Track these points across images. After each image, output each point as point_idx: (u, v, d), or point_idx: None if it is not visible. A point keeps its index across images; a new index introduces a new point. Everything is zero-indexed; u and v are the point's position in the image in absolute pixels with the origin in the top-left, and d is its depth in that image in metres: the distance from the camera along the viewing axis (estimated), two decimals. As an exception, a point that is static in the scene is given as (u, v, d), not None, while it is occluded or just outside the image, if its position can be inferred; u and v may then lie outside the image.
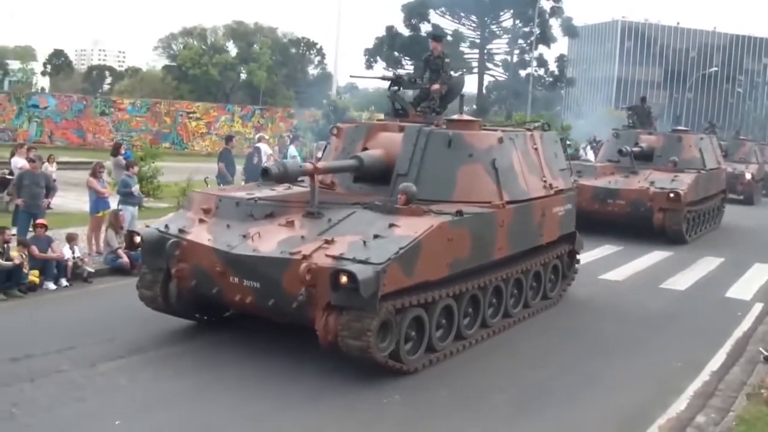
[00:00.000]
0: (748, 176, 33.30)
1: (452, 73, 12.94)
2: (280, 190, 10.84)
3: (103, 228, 15.31)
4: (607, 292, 14.72)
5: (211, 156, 34.11)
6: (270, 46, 78.99)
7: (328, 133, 12.44)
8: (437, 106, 12.46)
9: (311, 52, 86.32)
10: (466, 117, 11.76)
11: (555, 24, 70.86)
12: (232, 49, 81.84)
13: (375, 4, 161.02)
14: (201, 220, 10.10)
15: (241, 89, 79.74)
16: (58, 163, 22.85)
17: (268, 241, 9.32)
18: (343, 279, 8.30)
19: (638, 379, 9.85)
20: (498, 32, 74.31)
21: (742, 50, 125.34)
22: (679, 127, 25.61)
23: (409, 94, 13.39)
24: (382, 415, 8.31)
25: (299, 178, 10.34)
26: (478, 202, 10.62)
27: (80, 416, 7.87)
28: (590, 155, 33.17)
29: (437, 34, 12.97)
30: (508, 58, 73.91)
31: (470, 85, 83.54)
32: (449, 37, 71.44)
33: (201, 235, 9.82)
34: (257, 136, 27.19)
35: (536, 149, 12.30)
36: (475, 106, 75.53)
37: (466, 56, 74.09)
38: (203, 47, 78.90)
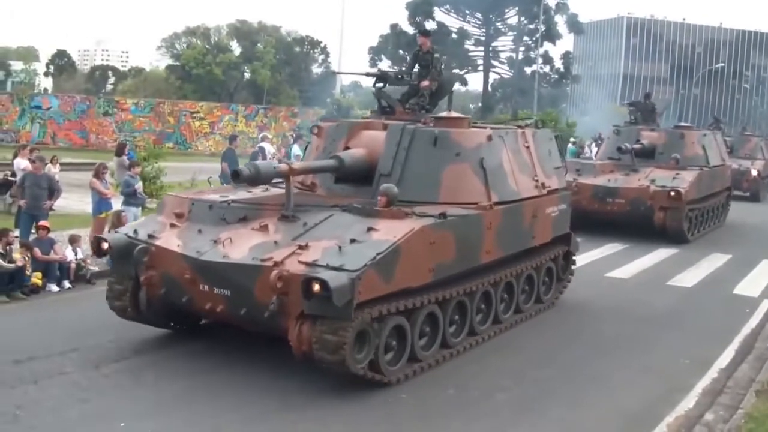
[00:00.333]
0: (754, 172, 32.67)
1: (443, 68, 12.43)
2: (257, 192, 10.38)
3: (106, 229, 14.98)
4: (612, 290, 14.57)
5: (215, 156, 34.02)
6: (274, 45, 78.92)
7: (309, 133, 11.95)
8: (426, 104, 11.99)
9: (315, 50, 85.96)
10: (454, 114, 11.23)
11: (560, 21, 70.31)
12: (236, 49, 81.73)
13: (379, 2, 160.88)
14: (172, 225, 9.61)
15: (245, 88, 79.51)
16: (60, 164, 22.57)
17: (240, 246, 8.83)
18: (316, 287, 7.82)
19: (645, 377, 9.74)
20: (503, 29, 73.85)
21: (749, 46, 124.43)
22: (682, 123, 25.00)
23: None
24: (388, 414, 8.24)
25: (275, 180, 9.85)
26: (465, 203, 10.12)
27: (84, 418, 7.82)
28: (595, 152, 32.60)
29: (425, 29, 12.45)
30: (514, 55, 73.41)
31: (475, 83, 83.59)
32: (454, 35, 71.24)
33: (170, 240, 9.34)
34: (260, 136, 26.96)
35: (528, 147, 11.78)
36: (480, 104, 75.26)
37: (471, 54, 73.76)
38: (207, 46, 78.73)
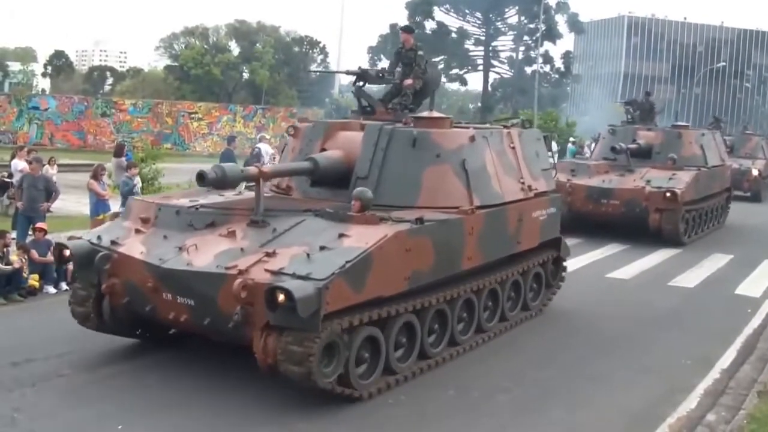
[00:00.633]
0: (755, 172, 32.20)
1: (426, 66, 11.98)
2: (230, 196, 9.93)
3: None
4: (614, 291, 14.53)
5: (213, 157, 33.86)
6: (273, 45, 78.51)
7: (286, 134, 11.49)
8: (410, 103, 11.54)
9: (314, 50, 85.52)
10: (435, 114, 10.72)
11: (561, 20, 70.31)
12: (235, 49, 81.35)
13: (378, 2, 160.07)
14: (137, 231, 9.16)
15: (244, 89, 79.16)
16: (58, 165, 22.50)
17: (205, 253, 8.38)
18: (280, 297, 7.37)
19: (647, 378, 9.69)
20: (503, 29, 73.75)
21: (751, 45, 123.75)
22: (680, 123, 24.47)
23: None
24: (388, 416, 8.16)
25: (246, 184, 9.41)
26: (446, 207, 9.66)
27: (82, 421, 7.77)
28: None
29: (408, 26, 12.02)
30: (514, 55, 73.36)
31: (475, 83, 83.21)
32: (454, 35, 70.94)
33: (134, 247, 8.89)
34: (258, 136, 26.78)
35: (513, 148, 11.30)
36: (480, 104, 74.94)
37: (471, 53, 73.59)
38: (205, 47, 78.39)
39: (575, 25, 71.58)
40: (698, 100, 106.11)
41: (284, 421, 7.83)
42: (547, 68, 71.08)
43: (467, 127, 10.90)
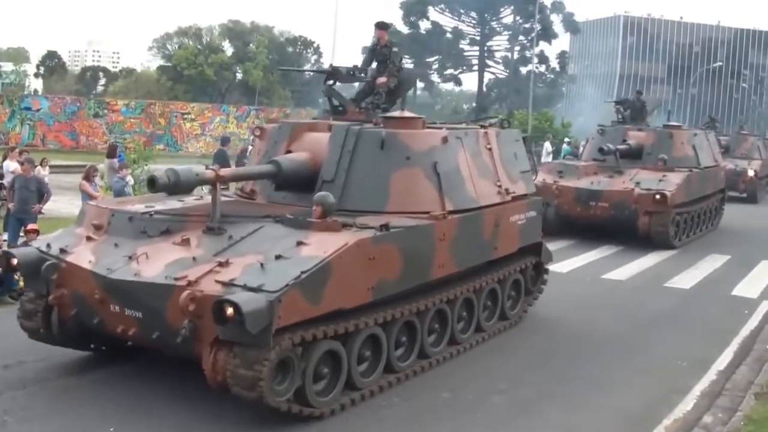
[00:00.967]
0: (751, 173, 31.72)
1: (402, 64, 11.51)
2: (190, 201, 9.41)
3: None
4: (609, 292, 14.49)
5: (206, 158, 33.59)
6: (266, 46, 78.01)
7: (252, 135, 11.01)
8: (382, 102, 11.06)
9: (308, 50, 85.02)
10: (407, 114, 10.15)
11: (556, 20, 69.66)
12: (228, 49, 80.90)
13: (373, 2, 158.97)
14: (89, 238, 8.65)
15: (237, 89, 78.66)
16: (50, 166, 22.36)
17: (155, 263, 7.87)
18: (229, 311, 6.85)
19: (643, 379, 9.63)
20: (498, 29, 73.17)
21: (747, 44, 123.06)
22: (672, 123, 23.92)
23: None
24: (381, 419, 8.06)
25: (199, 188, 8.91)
26: (416, 212, 9.15)
27: (73, 424, 7.67)
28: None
29: (382, 22, 11.55)
30: (509, 54, 72.73)
31: (470, 83, 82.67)
32: (449, 35, 70.51)
33: (83, 255, 8.37)
34: (251, 138, 26.42)
35: (490, 149, 10.79)
36: (475, 104, 74.49)
37: (466, 53, 73.14)
38: (199, 47, 77.93)
39: (571, 24, 70.98)
40: (695, 100, 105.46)
41: (269, 427, 7.60)
42: (543, 68, 70.60)
43: (440, 128, 10.39)
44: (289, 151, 9.85)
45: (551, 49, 71.83)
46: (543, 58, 70.57)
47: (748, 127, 44.09)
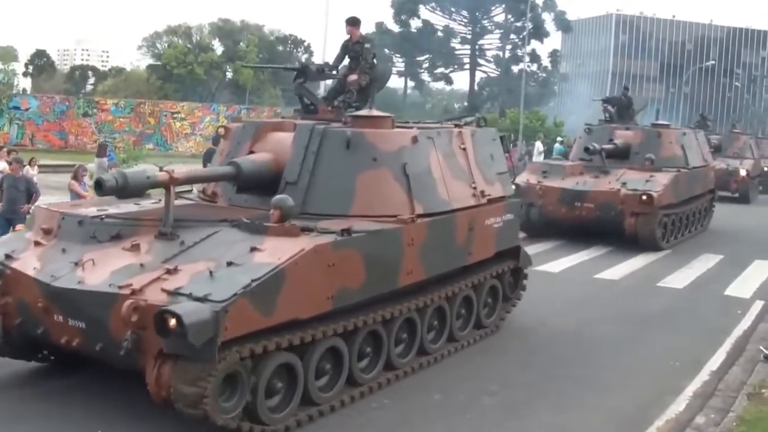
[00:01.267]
0: (743, 173, 31.35)
1: (374, 61, 11.05)
2: (146, 204, 8.92)
3: None
4: (602, 291, 14.47)
5: (196, 157, 33.34)
6: (257, 44, 77.66)
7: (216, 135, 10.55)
8: (354, 101, 10.60)
9: (299, 49, 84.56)
10: (375, 113, 9.68)
11: (548, 18, 69.77)
12: (218, 48, 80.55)
13: (364, 0, 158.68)
14: (37, 243, 8.18)
15: (227, 88, 78.27)
16: (39, 166, 21.91)
17: (101, 270, 7.40)
18: (171, 322, 6.37)
19: (635, 380, 9.59)
20: (490, 27, 73.25)
21: (740, 43, 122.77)
22: (660, 122, 23.48)
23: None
24: (371, 420, 7.97)
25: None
26: (383, 216, 8.68)
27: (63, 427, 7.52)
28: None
29: (353, 17, 11.09)
30: (500, 53, 72.74)
31: (462, 82, 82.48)
32: (440, 33, 70.22)
33: (28, 262, 7.90)
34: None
35: (464, 150, 10.33)
36: (466, 103, 74.19)
37: (457, 52, 73.05)
38: (188, 46, 77.55)
39: (562, 23, 70.96)
40: (687, 99, 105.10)
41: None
42: (534, 67, 70.54)
43: (411, 127, 9.93)
44: (252, 152, 9.39)
45: (543, 48, 72.10)
46: (535, 57, 70.77)
47: (740, 126, 43.62)
